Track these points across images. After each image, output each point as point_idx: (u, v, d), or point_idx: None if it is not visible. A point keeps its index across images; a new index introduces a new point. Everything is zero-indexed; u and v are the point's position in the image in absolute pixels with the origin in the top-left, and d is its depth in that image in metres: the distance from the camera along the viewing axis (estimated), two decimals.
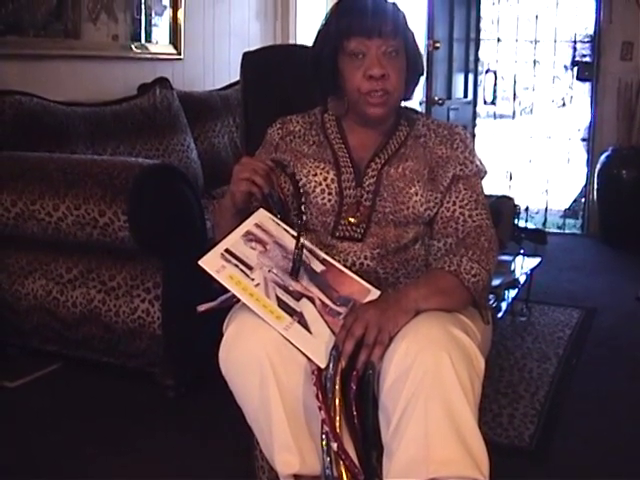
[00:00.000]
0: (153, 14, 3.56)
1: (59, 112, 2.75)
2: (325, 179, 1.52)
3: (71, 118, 2.79)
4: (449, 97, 4.58)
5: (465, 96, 4.95)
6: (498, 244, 1.53)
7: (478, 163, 1.56)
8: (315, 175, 1.53)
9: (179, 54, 3.75)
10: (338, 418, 1.26)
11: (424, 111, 4.13)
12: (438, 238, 1.52)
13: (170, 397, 2.35)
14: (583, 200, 5.03)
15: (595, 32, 4.67)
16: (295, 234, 1.41)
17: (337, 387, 1.26)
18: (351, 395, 1.27)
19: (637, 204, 4.25)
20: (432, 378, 1.21)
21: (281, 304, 1.31)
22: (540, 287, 3.37)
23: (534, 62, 5.61)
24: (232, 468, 1.91)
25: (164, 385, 2.36)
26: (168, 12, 3.66)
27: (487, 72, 5.93)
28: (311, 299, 1.35)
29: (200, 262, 1.32)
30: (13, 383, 2.44)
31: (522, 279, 2.98)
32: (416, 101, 4.18)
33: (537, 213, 5.19)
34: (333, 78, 1.52)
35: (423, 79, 1.62)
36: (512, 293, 2.89)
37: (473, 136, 4.86)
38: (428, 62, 4.09)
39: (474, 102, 5.19)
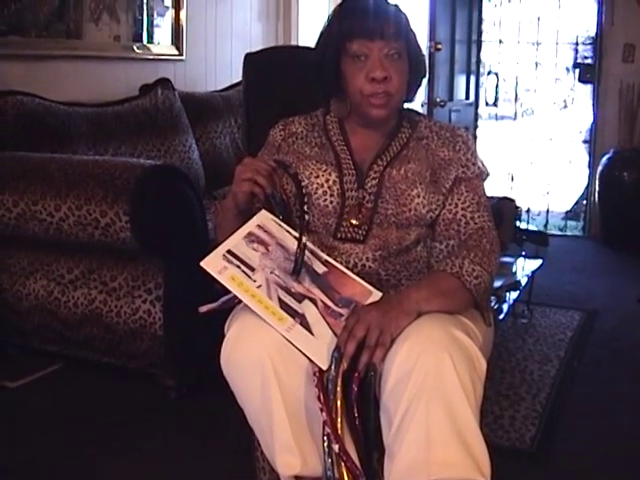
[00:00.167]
0: (155, 15, 3.56)
1: (61, 112, 2.76)
2: (327, 181, 1.52)
3: (73, 118, 2.79)
4: (451, 99, 4.58)
5: (467, 98, 4.95)
6: (500, 246, 1.53)
7: (480, 165, 1.56)
8: (317, 177, 1.52)
9: (181, 55, 3.75)
10: (339, 419, 1.26)
11: (426, 113, 4.13)
12: (440, 240, 1.52)
13: (171, 398, 2.35)
14: (585, 202, 5.02)
15: (597, 34, 4.67)
16: (297, 235, 1.41)
17: (339, 388, 1.26)
18: (353, 397, 1.27)
19: (639, 206, 4.25)
20: (434, 380, 1.21)
21: (283, 305, 1.31)
22: (541, 289, 3.36)
23: (536, 64, 5.62)
24: (233, 469, 1.91)
25: (165, 386, 2.35)
26: (170, 13, 3.66)
27: (489, 74, 5.94)
28: (313, 300, 1.35)
29: (202, 263, 1.32)
30: (14, 383, 2.44)
31: (523, 281, 2.97)
32: (418, 103, 4.18)
33: (538, 215, 5.17)
34: (335, 80, 1.51)
35: (425, 81, 1.62)
36: (513, 295, 2.88)
37: (475, 138, 4.86)
38: (430, 64, 4.08)
39: (476, 104, 5.19)
